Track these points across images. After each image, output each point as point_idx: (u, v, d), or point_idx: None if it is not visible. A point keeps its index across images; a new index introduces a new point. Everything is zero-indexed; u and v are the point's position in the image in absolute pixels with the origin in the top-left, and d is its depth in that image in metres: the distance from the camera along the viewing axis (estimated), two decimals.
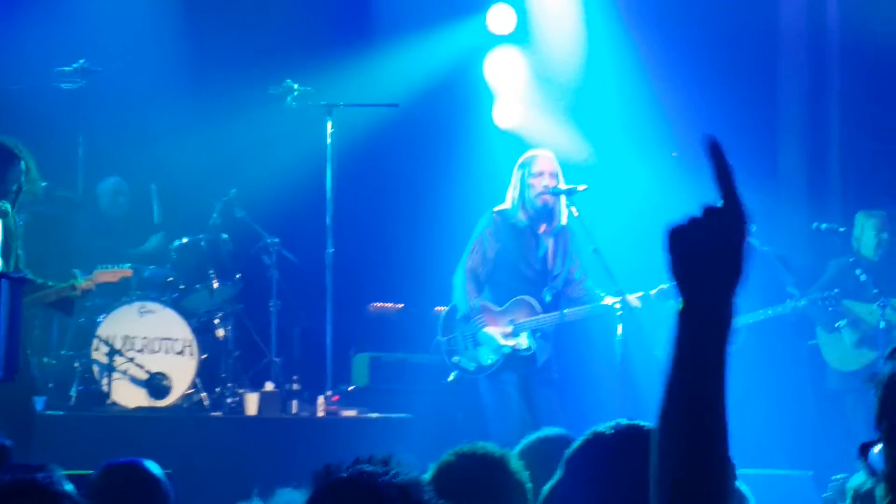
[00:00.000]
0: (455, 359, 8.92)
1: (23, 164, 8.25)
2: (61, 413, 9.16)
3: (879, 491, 2.52)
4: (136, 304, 9.56)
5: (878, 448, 2.54)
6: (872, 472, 2.84)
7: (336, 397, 9.79)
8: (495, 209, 8.88)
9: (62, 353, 9.57)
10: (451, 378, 9.04)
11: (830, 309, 9.55)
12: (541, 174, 8.77)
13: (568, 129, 11.02)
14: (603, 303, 8.70)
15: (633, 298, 8.61)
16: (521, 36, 11.41)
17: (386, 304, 11.13)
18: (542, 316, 8.78)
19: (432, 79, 11.29)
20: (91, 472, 4.55)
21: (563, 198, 8.76)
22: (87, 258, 9.70)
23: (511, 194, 8.87)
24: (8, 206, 8.01)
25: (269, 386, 9.82)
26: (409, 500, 2.30)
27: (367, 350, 10.48)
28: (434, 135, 11.43)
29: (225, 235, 10.31)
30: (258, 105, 10.51)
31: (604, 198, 9.96)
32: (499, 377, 8.76)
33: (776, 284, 9.83)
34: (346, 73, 10.92)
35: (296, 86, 10.07)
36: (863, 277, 9.50)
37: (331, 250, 9.88)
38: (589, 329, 9.40)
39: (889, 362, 2.68)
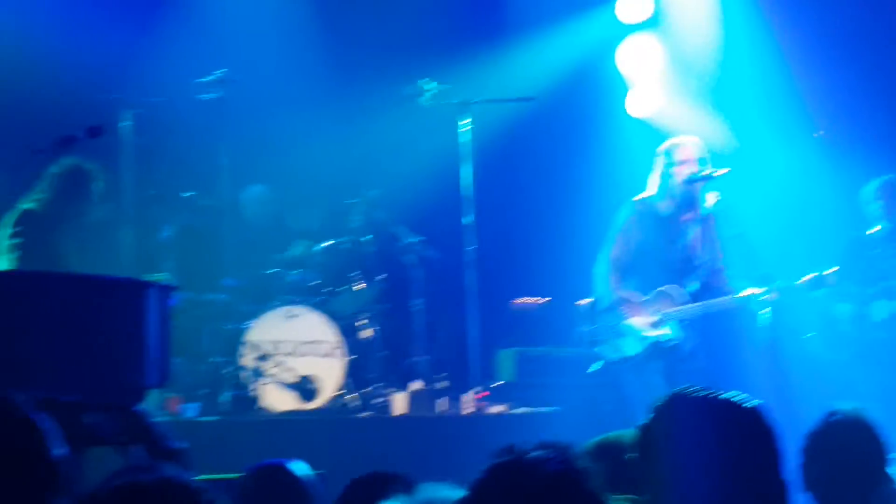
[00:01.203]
0: (599, 350, 8.87)
1: (93, 192, 8.53)
2: (214, 418, 9.31)
3: None
4: (283, 309, 9.68)
5: None
6: None
7: (483, 394, 9.79)
8: (637, 198, 8.79)
9: (212, 359, 9.72)
10: (593, 368, 8.98)
11: None
12: (685, 161, 8.66)
13: (706, 115, 10.87)
14: (747, 292, 8.55)
15: (769, 293, 8.43)
16: (654, 23, 11.29)
17: (529, 299, 11.11)
18: (686, 306, 8.68)
19: (566, 71, 11.24)
20: (237, 474, 4.62)
21: (706, 184, 8.64)
22: (234, 267, 9.86)
23: (654, 183, 8.77)
24: None
25: (416, 385, 9.87)
26: (578, 487, 2.32)
27: (512, 345, 10.47)
28: (570, 127, 11.38)
29: (367, 237, 10.39)
30: (394, 105, 10.57)
31: (746, 182, 9.80)
32: (644, 367, 8.68)
33: None
34: (479, 70, 10.93)
35: (430, 84, 10.11)
36: None
37: (472, 247, 9.90)
38: (736, 316, 9.25)
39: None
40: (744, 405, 2.90)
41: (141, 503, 2.48)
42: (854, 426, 4.29)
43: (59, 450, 3.66)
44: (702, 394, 2.95)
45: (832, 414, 4.31)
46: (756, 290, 8.49)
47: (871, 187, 9.62)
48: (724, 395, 2.93)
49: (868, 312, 9.53)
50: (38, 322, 5.19)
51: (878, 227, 9.57)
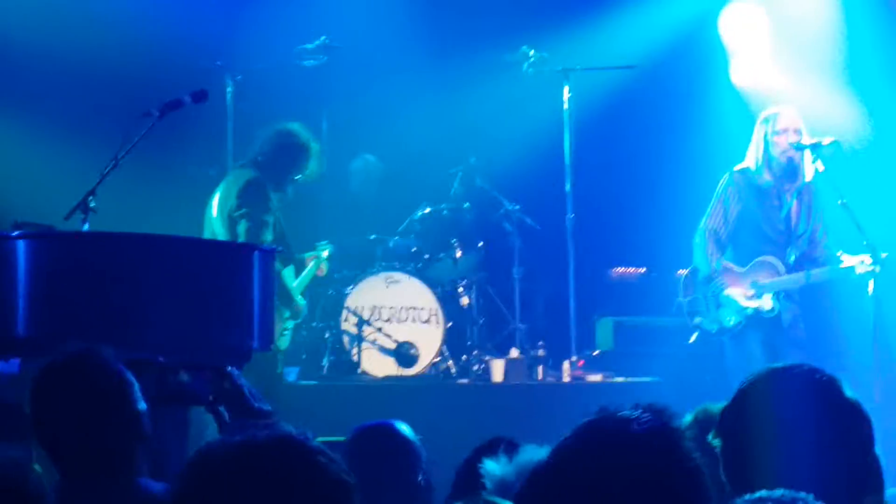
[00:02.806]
0: (697, 320, 8.81)
1: (311, 161, 8.59)
2: (314, 382, 9.41)
3: None
4: (383, 275, 9.74)
5: None
6: None
7: (581, 362, 9.79)
8: (736, 168, 8.71)
9: (313, 324, 9.79)
10: (692, 340, 8.93)
11: None
12: (785, 131, 8.55)
13: (812, 84, 10.71)
14: (848, 262, 8.42)
15: (873, 264, 8.28)
16: None
17: (628, 269, 11.08)
18: (785, 277, 8.59)
19: (668, 39, 11.14)
20: (343, 438, 4.66)
21: (807, 154, 8.53)
22: (336, 233, 9.92)
23: (753, 152, 8.67)
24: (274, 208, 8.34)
25: (514, 352, 9.89)
26: (663, 440, 2.28)
27: (610, 315, 10.44)
28: (671, 96, 11.28)
29: (466, 204, 10.41)
30: (495, 72, 10.56)
31: (853, 151, 9.65)
32: (743, 338, 8.60)
33: None
34: (581, 38, 10.87)
35: (532, 52, 10.10)
36: None
37: (571, 216, 9.89)
38: (837, 288, 9.13)
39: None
40: (838, 387, 2.84)
41: (259, 460, 2.44)
42: None
43: (141, 404, 3.77)
44: (797, 371, 2.89)
45: None
46: (857, 260, 8.37)
47: None
48: (820, 375, 2.87)
49: None
50: (145, 283, 5.28)
51: None
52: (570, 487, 2.23)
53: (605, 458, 2.25)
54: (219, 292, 5.42)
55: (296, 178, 8.62)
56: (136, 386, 3.80)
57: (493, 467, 3.36)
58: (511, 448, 3.69)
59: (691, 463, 2.27)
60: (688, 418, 3.71)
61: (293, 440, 2.48)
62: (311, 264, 9.00)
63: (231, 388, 4.15)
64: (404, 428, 4.51)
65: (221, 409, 4.11)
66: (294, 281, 8.79)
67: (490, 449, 3.84)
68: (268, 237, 8.28)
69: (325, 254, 9.14)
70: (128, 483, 3.64)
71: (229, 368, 4.22)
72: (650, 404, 2.34)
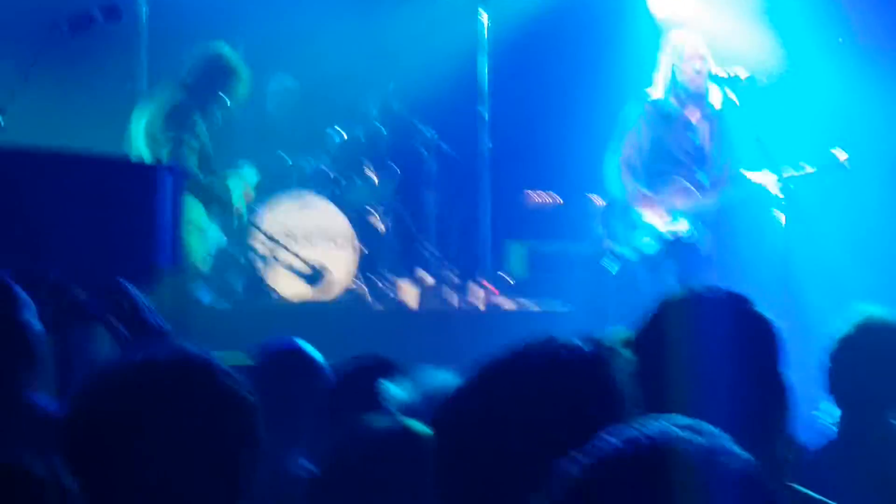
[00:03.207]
0: (616, 248, 8.85)
1: (240, 86, 8.63)
2: (228, 306, 9.34)
3: None
4: (297, 198, 9.65)
5: None
6: None
7: (495, 290, 9.80)
8: (646, 96, 8.73)
9: (227, 247, 9.70)
10: (609, 266, 8.95)
11: None
12: (691, 58, 8.60)
13: (727, 14, 10.70)
14: (758, 180, 8.47)
15: (781, 184, 8.34)
16: None
17: (543, 194, 11.07)
18: (699, 200, 8.64)
19: None
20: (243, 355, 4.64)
21: (714, 84, 8.57)
22: (251, 155, 9.80)
23: (661, 80, 8.71)
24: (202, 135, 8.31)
25: (428, 278, 9.88)
26: (596, 374, 2.26)
27: (525, 240, 10.45)
28: (589, 23, 11.23)
29: (383, 129, 10.34)
30: None
31: (769, 86, 9.68)
32: (659, 266, 8.66)
33: None
34: None
35: None
36: None
37: (487, 142, 9.87)
38: (749, 210, 9.19)
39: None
40: (743, 304, 2.85)
41: (159, 380, 2.38)
42: (888, 334, 4.20)
43: (36, 324, 3.68)
44: (712, 293, 2.90)
45: (867, 320, 4.22)
46: (766, 178, 8.41)
47: None
48: (734, 296, 2.87)
49: None
50: (48, 201, 5.20)
51: None
52: (494, 410, 2.21)
53: (531, 383, 2.23)
54: (123, 212, 5.35)
55: (225, 102, 8.62)
56: (27, 304, 3.70)
57: (396, 391, 3.33)
58: (390, 369, 3.67)
59: (617, 393, 2.27)
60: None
61: (194, 359, 2.43)
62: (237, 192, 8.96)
63: (127, 304, 4.08)
64: (310, 349, 4.48)
65: (120, 326, 4.04)
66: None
67: (379, 370, 3.82)
68: (192, 161, 8.23)
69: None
70: (12, 399, 3.55)
71: (125, 284, 4.15)
72: (587, 335, 2.32)
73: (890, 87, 10.02)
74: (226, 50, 8.74)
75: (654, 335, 2.81)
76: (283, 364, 4.40)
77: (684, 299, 2.87)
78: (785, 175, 8.30)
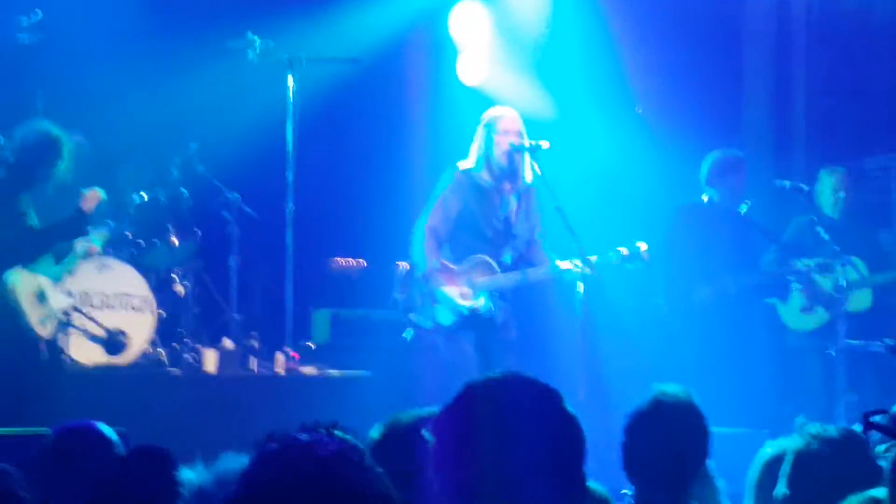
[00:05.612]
0: (412, 316, 8.87)
1: (61, 162, 8.71)
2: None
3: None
4: (95, 261, 9.44)
5: None
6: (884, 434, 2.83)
7: (296, 355, 9.72)
8: (459, 166, 8.80)
9: None
10: (407, 336, 8.97)
11: (792, 279, 9.69)
12: (507, 132, 8.69)
13: (531, 86, 10.92)
14: (561, 265, 8.58)
15: (584, 267, 8.46)
16: None
17: (347, 260, 11.05)
18: (500, 276, 8.72)
19: (396, 33, 11.17)
20: (47, 430, 4.51)
21: (527, 156, 8.68)
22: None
23: (475, 152, 8.79)
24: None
25: (227, 343, 9.75)
26: (350, 463, 2.23)
27: (328, 306, 10.41)
28: (398, 91, 11.33)
29: (185, 191, 10.21)
30: (219, 59, 10.39)
31: (566, 155, 9.89)
32: (456, 336, 8.71)
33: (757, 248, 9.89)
34: (308, 27, 10.77)
35: (257, 39, 9.97)
36: (825, 236, 9.48)
37: (291, 206, 9.82)
38: (549, 290, 9.34)
39: None
40: (544, 389, 2.83)
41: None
42: (681, 410, 4.16)
43: None
44: (513, 380, 2.86)
45: (659, 395, 4.18)
46: (570, 264, 8.54)
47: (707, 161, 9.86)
48: (539, 387, 2.85)
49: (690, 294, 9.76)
50: None
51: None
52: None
53: (297, 486, 2.20)
54: None
55: (49, 176, 8.69)
56: None
57: (189, 475, 3.26)
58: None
59: (381, 483, 2.25)
60: (376, 431, 3.60)
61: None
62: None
63: None
64: (106, 429, 4.38)
65: None
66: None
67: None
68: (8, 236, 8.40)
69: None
70: None
71: None
72: (331, 423, 2.30)
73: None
74: (44, 125, 8.83)
75: (455, 420, 2.78)
76: (75, 443, 4.29)
77: (489, 386, 2.83)
78: (587, 262, 8.43)
